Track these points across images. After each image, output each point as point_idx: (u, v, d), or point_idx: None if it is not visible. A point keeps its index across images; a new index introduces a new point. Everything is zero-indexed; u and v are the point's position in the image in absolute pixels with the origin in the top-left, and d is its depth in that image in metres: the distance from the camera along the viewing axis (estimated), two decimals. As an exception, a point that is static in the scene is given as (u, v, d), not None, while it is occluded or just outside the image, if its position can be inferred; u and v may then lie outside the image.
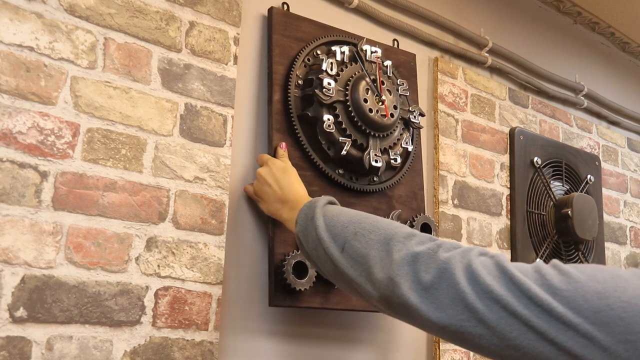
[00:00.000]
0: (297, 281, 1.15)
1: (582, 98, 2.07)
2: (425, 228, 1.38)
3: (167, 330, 1.06)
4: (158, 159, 1.09)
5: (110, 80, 1.06)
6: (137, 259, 1.04)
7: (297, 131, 1.24)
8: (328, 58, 1.27)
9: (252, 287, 1.20)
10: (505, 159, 1.75)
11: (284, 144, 1.21)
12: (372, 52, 1.34)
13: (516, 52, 1.87)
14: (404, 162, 1.39)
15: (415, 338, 1.46)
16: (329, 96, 1.23)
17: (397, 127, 1.34)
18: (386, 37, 1.53)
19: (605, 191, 2.06)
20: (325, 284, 1.20)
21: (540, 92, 1.94)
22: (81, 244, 0.99)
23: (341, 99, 1.25)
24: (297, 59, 1.28)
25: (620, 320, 0.63)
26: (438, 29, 1.68)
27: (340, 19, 1.44)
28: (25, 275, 0.93)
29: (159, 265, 1.06)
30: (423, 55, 1.62)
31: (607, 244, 2.01)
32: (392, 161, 1.33)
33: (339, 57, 1.29)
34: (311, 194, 1.12)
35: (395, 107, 1.32)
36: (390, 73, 1.37)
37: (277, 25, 1.29)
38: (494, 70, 1.81)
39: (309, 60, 1.30)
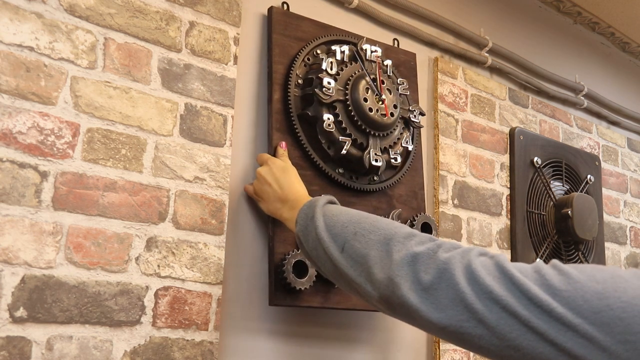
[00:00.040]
0: (297, 280, 1.15)
1: (582, 98, 2.07)
2: (426, 227, 1.38)
3: (167, 330, 1.06)
4: (158, 159, 1.09)
5: (110, 80, 1.06)
6: (137, 259, 1.04)
7: (297, 130, 1.24)
8: (328, 57, 1.28)
9: (252, 287, 1.20)
10: (505, 159, 1.75)
11: (284, 143, 1.21)
12: (372, 52, 1.34)
13: (516, 52, 1.87)
14: (404, 162, 1.39)
15: (415, 338, 1.46)
16: (328, 95, 1.23)
17: (397, 126, 1.34)
18: (386, 37, 1.53)
19: (605, 191, 2.06)
20: (325, 283, 1.20)
21: (540, 92, 1.94)
22: (81, 244, 0.99)
23: (341, 98, 1.25)
24: (297, 58, 1.28)
25: (619, 320, 0.63)
26: (438, 29, 1.68)
27: (340, 19, 1.44)
28: (25, 275, 0.93)
29: (159, 265, 1.06)
30: (423, 55, 1.62)
31: (607, 244, 2.01)
32: (392, 160, 1.33)
33: (338, 57, 1.29)
34: (311, 193, 1.12)
35: (395, 107, 1.32)
36: (390, 72, 1.37)
37: (277, 25, 1.29)
38: (494, 70, 1.81)
39: (308, 59, 1.30)
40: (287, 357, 1.23)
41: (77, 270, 0.98)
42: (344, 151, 1.25)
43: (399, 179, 1.38)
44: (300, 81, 1.27)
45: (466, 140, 1.65)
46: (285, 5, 1.33)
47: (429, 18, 1.64)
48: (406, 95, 1.40)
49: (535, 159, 1.79)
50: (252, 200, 1.22)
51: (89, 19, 1.04)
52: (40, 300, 0.94)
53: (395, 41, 1.53)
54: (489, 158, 1.70)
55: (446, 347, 1.49)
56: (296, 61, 1.27)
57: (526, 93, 1.88)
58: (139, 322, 1.03)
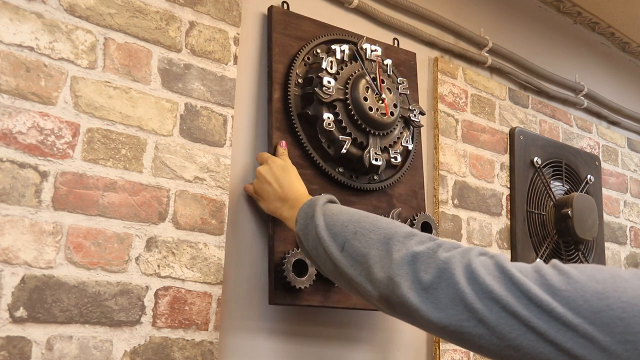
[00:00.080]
0: (297, 279, 1.15)
1: (582, 98, 2.07)
2: (426, 227, 1.38)
3: (167, 330, 1.06)
4: (158, 159, 1.09)
5: (110, 80, 1.06)
6: (137, 259, 1.04)
7: (297, 130, 1.24)
8: (328, 56, 1.28)
9: (252, 287, 1.20)
10: (505, 159, 1.75)
11: (284, 142, 1.21)
12: (372, 51, 1.34)
13: (516, 52, 1.87)
14: (404, 161, 1.39)
15: (415, 338, 1.46)
16: (328, 94, 1.23)
17: (397, 125, 1.35)
18: (386, 37, 1.53)
19: (605, 191, 2.06)
20: (325, 282, 1.20)
21: (540, 92, 1.94)
22: (81, 244, 0.99)
23: (341, 97, 1.25)
24: (297, 57, 1.28)
25: (619, 320, 0.63)
26: (438, 29, 1.68)
27: (340, 19, 1.44)
28: (25, 275, 0.93)
29: (159, 265, 1.06)
30: (423, 55, 1.62)
31: (607, 244, 2.01)
32: (392, 160, 1.33)
33: (338, 56, 1.29)
34: (311, 192, 1.12)
35: (395, 106, 1.32)
36: (390, 72, 1.37)
37: (277, 24, 1.29)
38: (494, 70, 1.81)
39: (308, 58, 1.30)
40: (287, 356, 1.23)
41: (77, 270, 0.98)
42: (344, 150, 1.25)
43: (399, 178, 1.38)
44: (300, 80, 1.27)
45: (466, 140, 1.65)
46: (285, 5, 1.33)
47: (429, 18, 1.64)
48: (406, 94, 1.40)
49: (535, 159, 1.79)
50: (252, 200, 1.22)
51: (89, 19, 1.04)
52: (40, 300, 0.94)
53: (395, 41, 1.53)
54: (489, 158, 1.70)
55: (446, 347, 1.49)
56: (296, 60, 1.28)
57: (526, 93, 1.88)
58: (139, 322, 1.03)
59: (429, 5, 1.65)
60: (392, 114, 1.30)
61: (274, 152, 1.20)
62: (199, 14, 1.18)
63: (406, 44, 1.57)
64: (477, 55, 1.75)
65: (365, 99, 1.27)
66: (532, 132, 1.82)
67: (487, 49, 1.77)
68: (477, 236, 1.62)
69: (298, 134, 1.24)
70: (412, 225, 1.36)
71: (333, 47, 1.31)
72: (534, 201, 1.77)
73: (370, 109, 1.27)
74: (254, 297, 1.20)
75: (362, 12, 1.49)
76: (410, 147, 1.38)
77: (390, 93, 1.32)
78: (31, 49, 0.98)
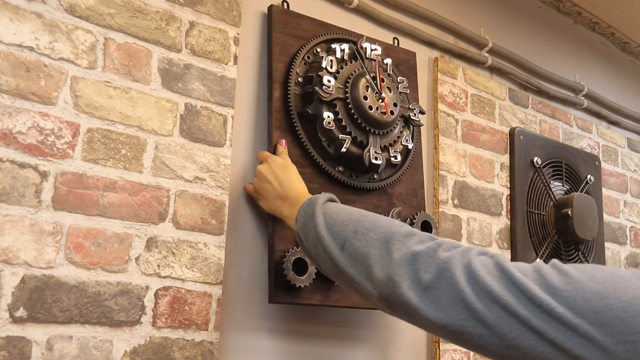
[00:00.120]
0: (297, 278, 1.16)
1: (582, 98, 2.07)
2: (426, 226, 1.38)
3: (167, 330, 1.06)
4: (158, 159, 1.09)
5: (110, 80, 1.06)
6: (137, 259, 1.04)
7: (297, 128, 1.24)
8: (328, 55, 1.28)
9: (252, 287, 1.20)
10: (505, 159, 1.75)
11: (284, 141, 1.21)
12: (372, 50, 1.34)
13: (516, 52, 1.87)
14: (404, 160, 1.39)
15: (415, 337, 1.46)
16: (328, 93, 1.24)
17: (397, 124, 1.35)
18: (386, 37, 1.53)
19: (605, 191, 2.06)
20: (325, 281, 1.20)
21: (540, 92, 1.94)
22: (81, 244, 0.99)
23: (341, 96, 1.26)
24: (297, 56, 1.28)
25: (619, 320, 0.63)
26: (438, 29, 1.68)
27: (340, 19, 1.44)
28: (25, 275, 0.93)
29: (159, 265, 1.06)
30: (423, 55, 1.62)
31: (607, 244, 2.01)
32: (392, 159, 1.33)
33: (338, 55, 1.29)
34: (311, 191, 1.12)
35: (395, 105, 1.32)
36: (390, 71, 1.37)
37: (277, 23, 1.29)
38: (494, 70, 1.81)
39: (308, 57, 1.30)
40: (287, 355, 1.23)
41: (77, 270, 0.98)
42: (343, 149, 1.25)
43: (399, 177, 1.38)
44: (300, 79, 1.27)
45: (466, 140, 1.65)
46: (285, 4, 1.33)
47: (428, 18, 1.64)
48: (406, 93, 1.40)
49: (535, 159, 1.79)
50: (252, 200, 1.22)
51: (89, 19, 1.04)
52: (40, 300, 0.94)
53: (395, 40, 1.53)
54: (489, 158, 1.70)
55: (446, 347, 1.49)
56: (296, 59, 1.28)
57: (526, 93, 1.88)
58: (139, 322, 1.03)
59: (429, 5, 1.65)
60: (392, 112, 1.30)
61: (274, 151, 1.20)
62: (199, 14, 1.18)
63: (406, 44, 1.57)
64: (477, 55, 1.75)
65: (365, 97, 1.27)
66: (532, 132, 1.82)
67: (487, 49, 1.77)
68: (477, 236, 1.62)
69: (298, 132, 1.24)
70: (412, 224, 1.36)
71: (333, 46, 1.31)
72: (534, 201, 1.77)
73: (370, 107, 1.27)
74: (254, 296, 1.20)
75: (362, 12, 1.49)
76: (410, 146, 1.38)
77: (390, 92, 1.32)
78: (31, 49, 0.98)
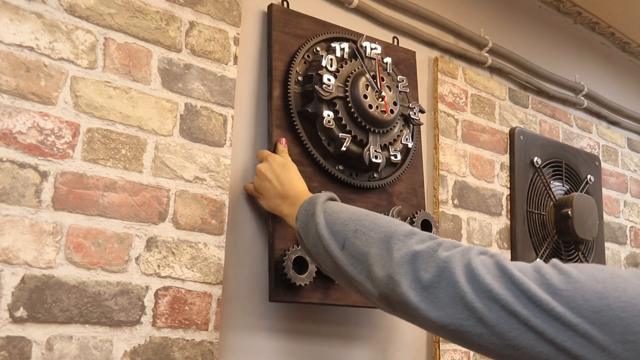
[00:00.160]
0: (297, 276, 1.16)
1: (582, 98, 2.07)
2: (426, 225, 1.38)
3: (167, 330, 1.06)
4: (158, 159, 1.09)
5: (110, 80, 1.06)
6: (137, 259, 1.04)
7: (297, 127, 1.24)
8: (328, 54, 1.28)
9: (252, 286, 1.20)
10: (505, 159, 1.75)
11: (284, 139, 1.21)
12: (372, 49, 1.34)
13: (516, 52, 1.87)
14: (404, 159, 1.39)
15: (415, 337, 1.46)
16: (328, 92, 1.24)
17: (397, 123, 1.35)
18: (386, 36, 1.53)
19: (605, 191, 2.06)
20: (325, 280, 1.21)
21: (540, 92, 1.95)
22: (81, 244, 0.99)
23: (341, 95, 1.26)
24: (297, 55, 1.28)
25: (619, 320, 0.63)
26: (438, 28, 1.68)
27: (340, 19, 1.44)
28: (25, 275, 0.93)
29: (159, 265, 1.06)
30: (423, 55, 1.62)
31: (607, 244, 2.01)
32: (392, 157, 1.33)
33: (338, 54, 1.29)
34: (311, 190, 1.12)
35: (395, 104, 1.32)
36: (390, 70, 1.37)
37: (277, 22, 1.29)
38: (494, 70, 1.81)
39: (308, 56, 1.30)
40: (287, 354, 1.23)
41: (77, 270, 0.98)
42: (343, 148, 1.25)
43: (399, 176, 1.38)
44: (300, 78, 1.27)
45: (466, 140, 1.65)
46: (285, 3, 1.33)
47: (428, 18, 1.64)
48: (406, 92, 1.40)
49: (535, 159, 1.79)
50: (252, 200, 1.22)
51: (89, 19, 1.05)
52: (40, 300, 0.94)
53: (395, 39, 1.53)
54: (489, 158, 1.70)
55: (446, 346, 1.49)
56: (296, 58, 1.28)
57: (526, 93, 1.88)
58: (139, 322, 1.03)
59: (429, 5, 1.65)
60: (391, 111, 1.31)
61: (274, 150, 1.20)
62: (199, 14, 1.18)
63: (406, 43, 1.57)
64: (477, 55, 1.75)
65: (365, 96, 1.27)
66: (532, 132, 1.82)
67: (487, 49, 1.77)
68: (477, 236, 1.62)
69: (298, 131, 1.24)
70: (412, 223, 1.36)
71: (333, 45, 1.31)
72: (534, 201, 1.77)
73: (370, 106, 1.27)
74: (254, 295, 1.20)
75: (362, 12, 1.49)
76: (410, 145, 1.38)
77: (390, 91, 1.32)
78: (31, 49, 0.98)
